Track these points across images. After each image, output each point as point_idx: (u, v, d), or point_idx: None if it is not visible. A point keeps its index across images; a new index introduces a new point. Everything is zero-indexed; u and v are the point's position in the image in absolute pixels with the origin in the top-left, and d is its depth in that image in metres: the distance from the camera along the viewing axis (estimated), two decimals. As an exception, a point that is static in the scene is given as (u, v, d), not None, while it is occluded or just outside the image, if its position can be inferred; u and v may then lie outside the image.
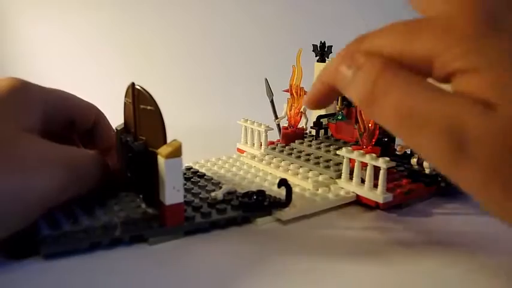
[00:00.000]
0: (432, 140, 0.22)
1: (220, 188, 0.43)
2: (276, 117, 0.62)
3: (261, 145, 0.57)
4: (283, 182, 0.39)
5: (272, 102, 0.62)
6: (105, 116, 0.43)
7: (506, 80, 0.20)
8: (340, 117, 0.55)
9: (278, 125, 0.62)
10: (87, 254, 0.33)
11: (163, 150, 0.34)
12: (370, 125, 0.46)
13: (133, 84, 0.38)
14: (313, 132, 0.58)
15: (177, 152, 0.34)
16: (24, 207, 0.31)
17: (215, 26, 0.97)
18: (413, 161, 0.47)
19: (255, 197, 0.39)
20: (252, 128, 0.58)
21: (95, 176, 0.38)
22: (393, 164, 0.41)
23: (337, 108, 0.56)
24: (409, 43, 0.23)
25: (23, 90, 0.36)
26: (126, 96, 0.40)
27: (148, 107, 0.36)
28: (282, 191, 0.40)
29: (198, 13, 0.97)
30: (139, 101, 0.37)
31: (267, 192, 0.41)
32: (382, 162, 0.41)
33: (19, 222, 0.31)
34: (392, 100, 0.23)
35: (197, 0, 0.97)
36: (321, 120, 0.58)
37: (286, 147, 0.55)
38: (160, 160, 0.34)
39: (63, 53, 0.98)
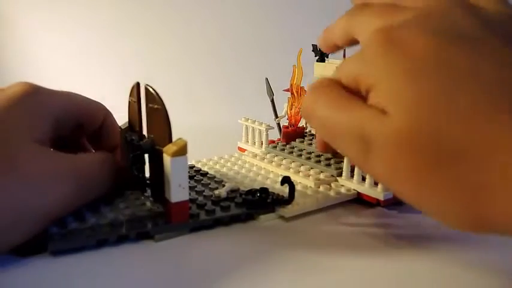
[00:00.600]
0: (346, 144, 0.27)
1: (223, 186, 0.43)
2: (276, 116, 0.62)
3: (261, 144, 0.58)
4: (286, 180, 0.40)
5: (272, 101, 0.62)
6: (112, 115, 0.43)
7: (394, 90, 0.25)
8: None
9: (278, 124, 0.62)
10: (94, 250, 0.34)
11: (169, 149, 0.34)
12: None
13: (138, 83, 0.38)
14: (314, 130, 0.59)
15: (182, 151, 0.35)
16: (28, 223, 0.31)
17: (217, 25, 0.97)
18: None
19: (258, 195, 0.40)
20: (252, 127, 0.59)
21: (104, 184, 0.38)
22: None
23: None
24: (341, 76, 0.29)
25: (35, 97, 0.36)
26: (130, 96, 0.40)
27: (155, 106, 0.36)
28: (284, 189, 0.41)
29: (199, 13, 0.97)
30: (147, 100, 0.37)
31: (269, 190, 0.41)
32: (383, 160, 0.42)
33: (24, 236, 0.31)
34: (317, 114, 0.29)
35: (197, 0, 0.97)
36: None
37: (287, 145, 0.56)
38: (166, 158, 0.35)
39: (65, 52, 0.98)
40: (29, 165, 0.32)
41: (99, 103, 0.42)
